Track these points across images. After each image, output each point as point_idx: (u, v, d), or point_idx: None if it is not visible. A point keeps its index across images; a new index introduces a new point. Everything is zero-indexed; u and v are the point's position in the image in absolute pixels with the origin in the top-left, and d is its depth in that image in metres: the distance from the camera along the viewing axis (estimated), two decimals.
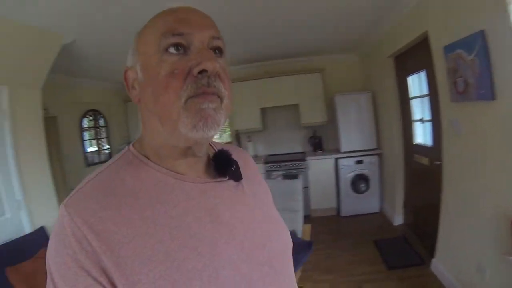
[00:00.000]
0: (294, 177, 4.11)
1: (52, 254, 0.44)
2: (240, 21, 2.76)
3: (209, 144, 0.63)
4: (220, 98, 0.48)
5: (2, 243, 2.16)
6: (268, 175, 4.28)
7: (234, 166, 0.58)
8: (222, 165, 0.57)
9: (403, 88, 3.32)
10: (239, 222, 0.53)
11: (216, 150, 0.61)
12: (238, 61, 4.52)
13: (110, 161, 0.53)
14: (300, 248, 1.90)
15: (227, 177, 0.57)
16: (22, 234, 2.33)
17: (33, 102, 2.58)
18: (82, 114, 4.39)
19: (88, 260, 0.41)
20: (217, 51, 0.50)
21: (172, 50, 0.46)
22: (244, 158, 0.67)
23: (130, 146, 0.55)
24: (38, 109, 2.62)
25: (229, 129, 5.07)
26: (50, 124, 3.37)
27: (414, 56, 2.89)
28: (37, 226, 2.43)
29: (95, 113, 4.70)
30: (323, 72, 4.48)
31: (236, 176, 0.58)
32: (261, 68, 4.75)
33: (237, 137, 4.92)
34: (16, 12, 2.01)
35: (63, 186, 3.29)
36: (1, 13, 1.97)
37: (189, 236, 0.46)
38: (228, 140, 5.14)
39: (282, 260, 0.58)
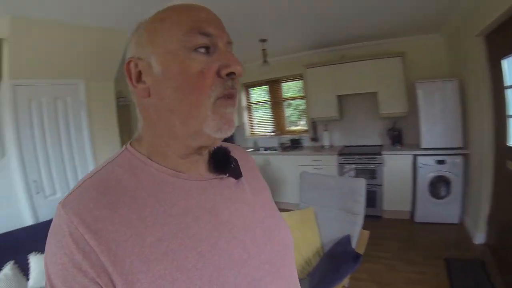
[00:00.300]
0: (368, 173, 3.85)
1: (49, 254, 0.43)
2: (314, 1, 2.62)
3: None
4: (238, 99, 0.51)
5: None
6: (340, 168, 4.09)
7: (234, 163, 0.59)
8: (222, 163, 0.57)
9: (496, 74, 2.62)
10: (239, 221, 0.53)
11: (215, 148, 0.60)
12: (313, 45, 4.33)
13: (107, 161, 0.52)
14: (346, 258, 1.69)
15: (227, 175, 0.57)
16: None
17: (106, 92, 3.01)
18: None
19: (86, 260, 0.40)
20: None
21: (201, 49, 0.47)
22: (243, 156, 0.68)
23: (128, 145, 0.54)
24: (111, 99, 3.05)
25: (306, 117, 5.02)
26: (125, 111, 3.87)
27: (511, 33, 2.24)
28: None
29: None
30: (403, 56, 3.90)
31: (236, 173, 0.58)
32: (337, 53, 4.45)
33: (313, 126, 4.83)
34: (85, 17, 2.35)
35: None
36: (75, 21, 2.37)
37: (188, 236, 0.46)
38: (305, 128, 5.10)
39: (283, 258, 0.58)
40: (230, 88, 0.48)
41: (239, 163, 0.61)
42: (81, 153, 2.87)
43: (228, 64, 0.47)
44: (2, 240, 2.23)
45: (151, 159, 0.51)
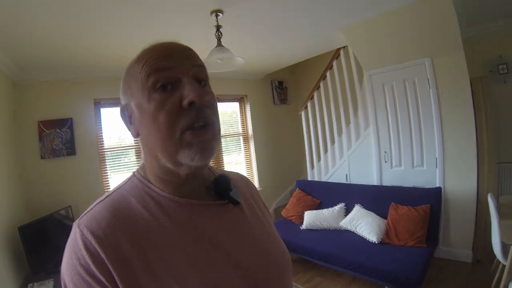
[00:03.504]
0: None
1: (66, 266, 0.50)
2: None
3: (209, 169, 0.71)
4: (211, 125, 0.54)
5: (410, 186, 3.07)
6: None
7: (233, 190, 0.64)
8: (222, 189, 0.63)
9: None
10: (235, 244, 0.58)
11: (217, 175, 0.68)
12: None
13: (117, 186, 0.60)
14: None
15: (226, 200, 0.63)
16: (427, 186, 2.95)
17: (455, 65, 2.76)
18: None
19: (99, 270, 0.46)
20: (202, 82, 0.56)
21: (160, 87, 0.52)
22: (245, 183, 0.77)
23: (136, 172, 0.62)
24: (462, 71, 2.74)
25: None
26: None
27: None
28: (448, 185, 2.88)
29: None
30: None
31: (235, 199, 0.63)
32: None
33: None
34: None
35: (484, 155, 2.87)
36: (399, 4, 2.63)
37: (188, 255, 0.52)
38: None
39: (279, 281, 0.62)
40: (195, 118, 0.52)
41: (241, 190, 0.69)
42: (428, 130, 2.98)
43: (186, 94, 0.51)
44: (346, 188, 3.42)
45: (154, 185, 0.59)
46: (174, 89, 0.53)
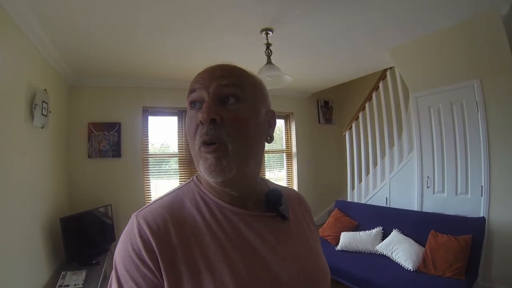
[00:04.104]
0: None
1: (120, 249, 0.57)
2: None
3: (264, 181, 0.77)
4: (218, 143, 0.57)
5: (452, 214, 2.91)
6: None
7: (283, 205, 0.68)
8: (272, 203, 0.68)
9: None
10: (276, 257, 0.61)
11: (270, 188, 0.73)
12: None
13: (176, 188, 0.68)
14: None
15: (274, 213, 0.67)
16: (470, 215, 2.78)
17: (505, 87, 2.64)
18: None
19: (148, 255, 0.53)
20: (229, 99, 0.60)
21: (191, 105, 0.62)
22: (299, 201, 0.81)
23: (194, 178, 0.70)
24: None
25: None
26: None
27: None
28: (493, 215, 2.70)
29: None
30: None
31: (283, 214, 0.67)
32: None
33: None
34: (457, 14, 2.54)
35: None
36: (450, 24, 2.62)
37: (228, 258, 0.57)
38: None
39: None
40: (204, 135, 0.58)
41: (294, 207, 0.74)
42: (474, 156, 2.83)
43: (198, 115, 0.58)
44: (386, 211, 3.36)
45: (208, 191, 0.65)
46: (201, 107, 0.60)
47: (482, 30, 2.55)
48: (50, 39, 2.51)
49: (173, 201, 0.63)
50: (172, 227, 0.57)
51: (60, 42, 2.61)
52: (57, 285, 2.43)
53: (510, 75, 2.61)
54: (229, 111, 0.59)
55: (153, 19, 2.30)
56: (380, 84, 3.95)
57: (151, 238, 0.55)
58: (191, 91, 0.62)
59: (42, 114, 2.48)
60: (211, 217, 0.61)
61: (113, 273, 0.57)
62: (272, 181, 0.81)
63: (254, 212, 0.65)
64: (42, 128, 2.56)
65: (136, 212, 0.61)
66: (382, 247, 3.06)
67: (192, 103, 0.62)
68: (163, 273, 0.53)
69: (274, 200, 0.68)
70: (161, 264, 0.53)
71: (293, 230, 0.70)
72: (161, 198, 0.64)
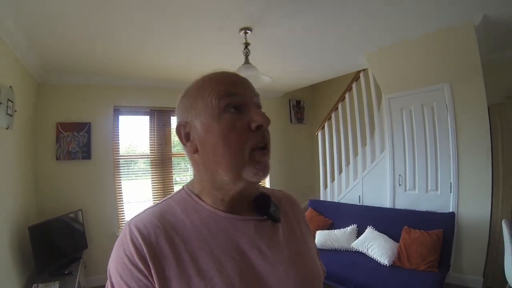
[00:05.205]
0: None
1: (114, 257, 0.60)
2: None
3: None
4: (269, 147, 0.64)
5: (423, 210, 3.08)
6: None
7: (273, 208, 0.70)
8: (261, 206, 0.70)
9: None
10: (266, 260, 0.63)
11: (259, 192, 0.73)
12: None
13: (167, 197, 0.70)
14: None
15: (265, 217, 0.69)
16: (440, 211, 2.97)
17: (474, 93, 2.84)
18: None
19: (141, 261, 0.56)
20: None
21: (231, 109, 0.61)
22: (290, 202, 0.82)
23: (185, 187, 0.71)
24: (480, 99, 2.81)
25: None
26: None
27: None
28: (462, 210, 2.90)
29: None
30: None
31: (274, 217, 0.69)
32: None
33: None
34: (428, 25, 2.67)
35: (499, 182, 2.90)
36: (420, 32, 2.75)
37: (218, 262, 0.59)
38: None
39: None
40: (261, 140, 0.61)
41: (285, 210, 0.75)
42: (444, 155, 3.04)
43: (254, 118, 0.61)
44: (359, 209, 3.47)
45: (201, 199, 0.67)
46: (241, 112, 0.62)
47: (455, 38, 2.72)
48: (19, 31, 2.29)
49: (164, 210, 0.65)
50: (162, 234, 0.60)
51: (30, 34, 2.38)
52: None
53: (478, 80, 2.81)
54: (269, 120, 0.63)
55: (127, 15, 2.18)
56: (354, 85, 4.08)
57: (142, 245, 0.57)
58: (231, 94, 0.62)
59: (7, 113, 2.27)
60: (201, 224, 0.63)
61: (107, 282, 0.59)
62: (261, 185, 0.81)
63: (245, 217, 0.67)
64: (7, 128, 2.33)
65: (129, 220, 0.64)
66: (357, 244, 3.16)
67: (231, 107, 0.61)
68: (154, 278, 0.55)
69: (263, 203, 0.70)
70: (152, 269, 0.56)
71: (284, 233, 0.71)
72: (152, 207, 0.66)
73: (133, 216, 0.65)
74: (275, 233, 0.69)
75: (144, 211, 0.65)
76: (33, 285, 2.39)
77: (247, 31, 2.52)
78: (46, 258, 2.64)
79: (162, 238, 0.59)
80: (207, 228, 0.62)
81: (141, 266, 0.56)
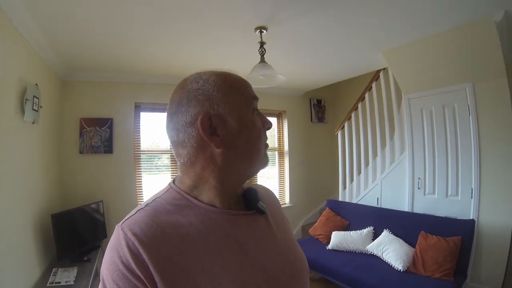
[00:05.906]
0: None
1: (107, 263, 0.57)
2: None
3: None
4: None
5: (442, 215, 3.00)
6: None
7: (260, 202, 0.73)
8: (250, 201, 0.72)
9: None
10: (261, 250, 0.67)
11: (245, 188, 0.77)
12: None
13: (156, 195, 0.69)
14: None
15: (254, 211, 0.72)
16: (460, 217, 2.88)
17: (497, 92, 2.72)
18: None
19: (138, 268, 0.53)
20: None
21: (255, 111, 0.70)
22: (269, 195, 0.87)
23: (172, 184, 0.71)
24: (504, 98, 2.68)
25: None
26: None
27: None
28: (482, 217, 2.78)
29: None
30: None
31: (261, 210, 0.72)
32: None
33: None
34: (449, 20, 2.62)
35: None
36: (443, 28, 2.68)
37: (220, 259, 0.60)
38: None
39: (298, 284, 0.70)
40: (266, 139, 0.73)
41: (266, 201, 0.78)
42: (465, 158, 2.92)
43: (265, 121, 0.72)
44: (377, 211, 3.44)
45: (192, 196, 0.67)
46: (257, 114, 0.71)
47: (476, 36, 2.61)
48: (42, 32, 2.45)
49: (156, 210, 0.63)
50: (161, 236, 0.58)
51: (52, 35, 2.55)
52: (48, 282, 2.41)
53: (502, 80, 2.69)
54: None
55: (146, 13, 2.27)
56: (373, 85, 4.00)
57: (141, 250, 0.54)
58: (255, 98, 0.70)
59: (33, 109, 2.44)
60: (199, 222, 0.62)
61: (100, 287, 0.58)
62: None
63: (236, 211, 0.69)
64: (33, 123, 2.51)
65: (120, 223, 0.60)
66: (372, 247, 3.13)
67: (256, 111, 0.70)
68: (159, 283, 0.53)
69: (252, 197, 0.73)
70: (154, 275, 0.53)
71: (271, 224, 0.75)
72: (142, 208, 0.63)
73: (123, 220, 0.62)
74: (265, 225, 0.73)
75: (134, 213, 0.62)
76: (53, 269, 2.60)
77: (263, 30, 2.55)
78: (67, 244, 2.84)
79: (161, 240, 0.57)
80: (203, 225, 0.62)
81: (138, 272, 0.53)
